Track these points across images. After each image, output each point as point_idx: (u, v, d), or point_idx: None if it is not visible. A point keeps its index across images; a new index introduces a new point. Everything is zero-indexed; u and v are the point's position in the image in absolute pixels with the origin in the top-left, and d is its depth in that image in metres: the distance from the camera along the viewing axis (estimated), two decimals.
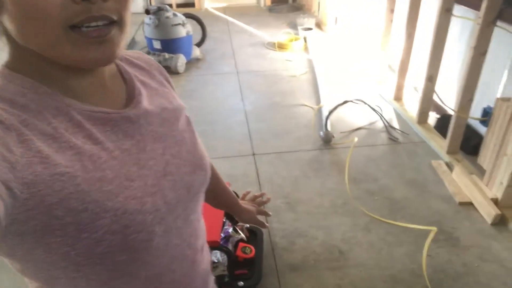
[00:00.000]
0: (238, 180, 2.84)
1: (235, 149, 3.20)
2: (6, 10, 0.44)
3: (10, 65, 0.51)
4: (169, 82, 0.72)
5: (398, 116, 3.61)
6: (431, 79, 3.10)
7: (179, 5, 7.38)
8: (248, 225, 2.13)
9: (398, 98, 3.81)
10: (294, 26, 6.07)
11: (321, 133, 3.22)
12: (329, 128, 3.24)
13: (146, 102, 0.61)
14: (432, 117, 3.48)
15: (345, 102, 3.23)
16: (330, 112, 3.24)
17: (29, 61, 0.50)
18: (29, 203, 0.43)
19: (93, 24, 0.46)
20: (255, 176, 2.88)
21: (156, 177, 0.58)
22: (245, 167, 2.99)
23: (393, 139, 3.27)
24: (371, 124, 3.49)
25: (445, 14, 2.86)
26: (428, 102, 3.26)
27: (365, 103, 3.55)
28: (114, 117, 0.55)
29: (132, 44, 5.18)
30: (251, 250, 1.98)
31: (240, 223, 2.06)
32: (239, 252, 1.96)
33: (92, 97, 0.54)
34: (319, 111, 3.66)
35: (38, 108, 0.48)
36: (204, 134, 3.41)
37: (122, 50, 0.52)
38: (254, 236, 2.15)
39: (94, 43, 0.47)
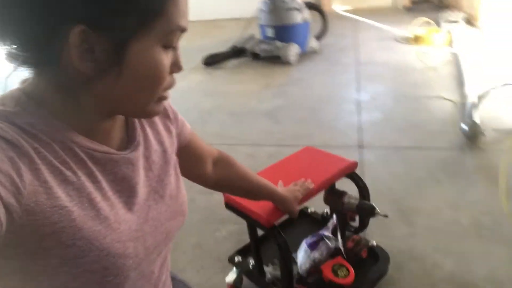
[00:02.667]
0: None
1: (336, 139, 2.47)
2: (117, 76, 0.48)
3: (28, 92, 0.50)
4: (169, 118, 0.70)
5: None
6: None
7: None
8: (373, 243, 1.38)
9: None
10: (435, 23, 5.06)
11: (465, 125, 2.27)
12: (477, 120, 2.28)
13: (143, 145, 0.62)
14: None
15: (505, 85, 2.23)
16: (480, 99, 2.27)
17: (55, 95, 0.50)
18: (24, 229, 0.43)
19: None
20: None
21: (139, 222, 0.58)
22: None
23: None
24: None
25: None
26: None
27: None
28: (115, 157, 0.56)
29: (249, 39, 4.82)
30: (348, 274, 1.23)
31: (357, 234, 1.38)
32: (327, 271, 1.24)
33: (98, 135, 0.55)
34: (464, 104, 2.69)
35: (47, 139, 0.48)
36: (302, 121, 2.78)
37: None
38: (374, 259, 1.36)
39: (164, 103, 0.58)
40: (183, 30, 0.51)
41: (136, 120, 0.63)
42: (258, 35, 4.57)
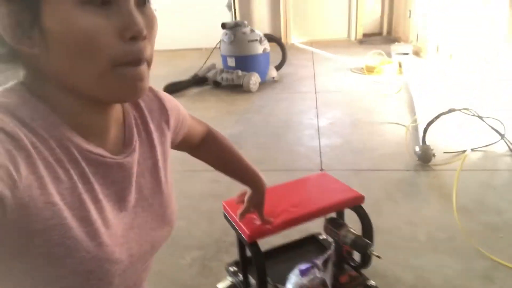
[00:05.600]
0: None
1: (299, 164, 2.54)
2: (46, 49, 0.45)
3: (27, 85, 0.50)
4: (167, 123, 0.69)
5: None
6: None
7: None
8: (372, 283, 1.29)
9: None
10: (387, 55, 5.40)
11: (417, 148, 2.41)
12: (428, 143, 2.43)
13: (139, 151, 0.61)
14: None
15: (451, 110, 2.42)
16: (430, 123, 2.43)
17: (48, 89, 0.50)
18: (14, 225, 0.42)
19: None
20: None
21: (124, 228, 0.57)
22: None
23: None
24: (487, 146, 2.58)
25: None
26: None
27: (479, 116, 2.67)
28: (109, 162, 0.55)
29: (210, 68, 4.91)
30: None
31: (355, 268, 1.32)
32: None
33: (94, 136, 0.54)
34: (415, 128, 2.86)
35: (44, 135, 0.47)
36: (264, 146, 2.83)
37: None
38: None
39: (135, 80, 0.49)
40: None
41: (134, 125, 0.62)
42: (219, 64, 4.68)
